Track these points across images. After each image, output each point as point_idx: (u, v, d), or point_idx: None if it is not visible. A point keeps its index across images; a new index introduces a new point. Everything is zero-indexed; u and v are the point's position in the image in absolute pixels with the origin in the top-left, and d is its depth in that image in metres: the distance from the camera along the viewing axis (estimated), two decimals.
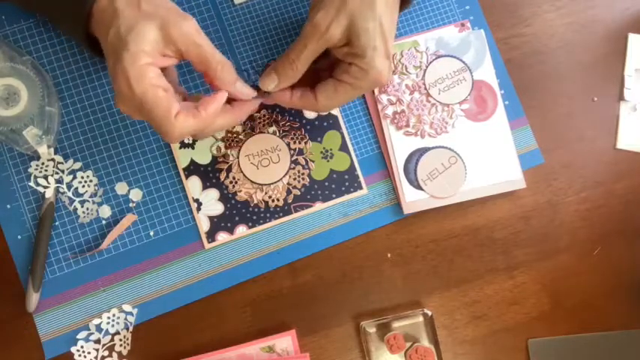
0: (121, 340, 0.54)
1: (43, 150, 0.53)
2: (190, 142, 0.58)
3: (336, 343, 0.57)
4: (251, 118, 0.59)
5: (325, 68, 0.52)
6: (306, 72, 0.49)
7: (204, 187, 0.57)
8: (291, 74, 0.49)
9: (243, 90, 0.49)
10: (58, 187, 0.55)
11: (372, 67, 0.47)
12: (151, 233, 0.56)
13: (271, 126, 0.59)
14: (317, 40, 0.46)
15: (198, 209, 0.57)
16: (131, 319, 0.55)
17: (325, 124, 0.59)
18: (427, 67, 0.61)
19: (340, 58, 0.49)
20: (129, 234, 0.56)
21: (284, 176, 0.58)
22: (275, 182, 0.58)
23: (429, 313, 0.57)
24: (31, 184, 0.55)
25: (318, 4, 0.47)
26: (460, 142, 0.60)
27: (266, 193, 0.58)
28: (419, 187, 0.59)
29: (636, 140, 0.63)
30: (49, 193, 0.55)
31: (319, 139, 0.59)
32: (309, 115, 0.59)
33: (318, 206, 0.58)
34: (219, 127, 0.48)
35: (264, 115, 0.59)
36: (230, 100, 0.49)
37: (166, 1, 0.45)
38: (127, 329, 0.54)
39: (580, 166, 0.62)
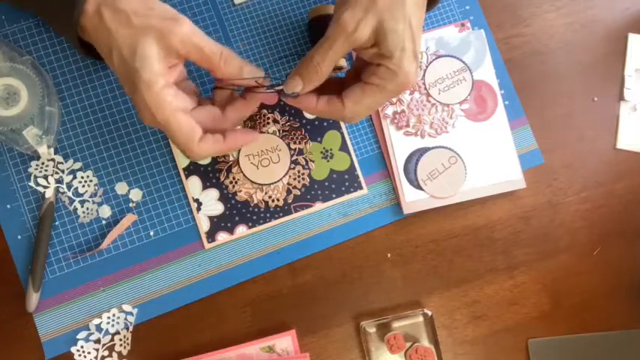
0: (121, 340, 0.54)
1: (43, 150, 0.53)
2: None
3: (336, 343, 0.57)
4: (251, 118, 0.59)
5: (351, 77, 0.50)
6: (331, 82, 0.48)
7: (204, 187, 0.57)
8: (315, 77, 0.46)
9: (253, 74, 0.47)
10: (58, 187, 0.55)
11: (400, 68, 0.45)
12: (151, 233, 0.56)
13: (271, 126, 0.59)
14: (344, 41, 0.44)
15: (198, 209, 0.57)
16: (131, 319, 0.55)
17: (325, 124, 0.59)
18: (427, 67, 0.61)
19: (367, 59, 0.47)
20: (129, 234, 0.56)
21: (284, 176, 0.58)
22: (275, 182, 0.58)
23: (429, 313, 0.57)
24: (31, 184, 0.55)
25: (343, 3, 0.45)
26: (460, 142, 0.60)
27: (266, 193, 0.57)
28: (419, 187, 0.59)
29: (636, 140, 0.63)
30: (49, 193, 0.55)
31: (319, 139, 0.59)
32: (309, 115, 0.59)
33: (318, 206, 0.58)
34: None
35: (264, 115, 0.59)
36: (246, 93, 0.49)
37: (154, 5, 0.44)
38: (127, 329, 0.54)
39: (580, 166, 0.62)
